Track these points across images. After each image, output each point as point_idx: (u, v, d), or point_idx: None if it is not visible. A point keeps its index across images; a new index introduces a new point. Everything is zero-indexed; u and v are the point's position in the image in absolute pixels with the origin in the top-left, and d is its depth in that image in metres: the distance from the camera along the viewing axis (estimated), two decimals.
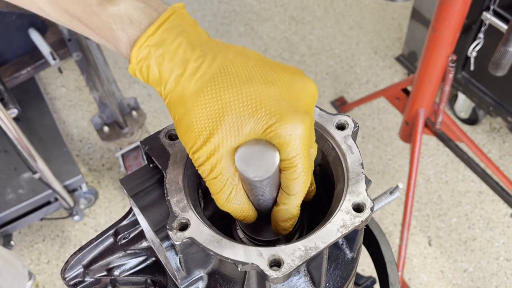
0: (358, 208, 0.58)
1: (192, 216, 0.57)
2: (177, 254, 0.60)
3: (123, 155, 2.29)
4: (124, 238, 0.71)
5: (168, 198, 0.58)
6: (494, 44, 1.61)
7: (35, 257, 2.27)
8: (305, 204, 0.62)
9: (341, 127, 0.64)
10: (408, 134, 2.07)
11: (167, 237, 0.59)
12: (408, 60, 2.73)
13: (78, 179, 2.18)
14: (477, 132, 2.54)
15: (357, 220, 0.57)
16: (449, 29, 1.64)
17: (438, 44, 1.69)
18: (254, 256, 0.54)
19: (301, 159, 0.55)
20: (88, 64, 1.96)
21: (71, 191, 2.20)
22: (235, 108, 0.53)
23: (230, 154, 0.54)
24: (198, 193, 0.64)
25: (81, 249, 0.70)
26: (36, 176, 1.91)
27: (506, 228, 2.26)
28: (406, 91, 2.16)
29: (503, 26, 1.85)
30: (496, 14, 1.90)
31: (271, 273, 0.53)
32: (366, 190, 0.59)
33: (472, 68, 2.00)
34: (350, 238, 0.68)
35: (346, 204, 0.58)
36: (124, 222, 0.71)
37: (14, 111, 1.61)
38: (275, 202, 0.61)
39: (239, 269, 0.54)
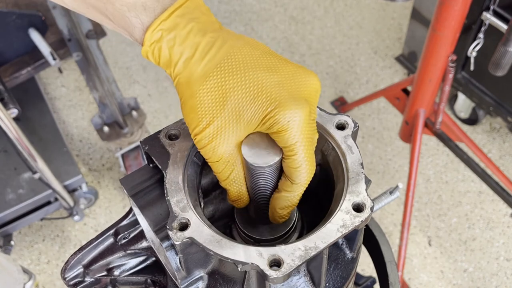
0: (358, 208, 0.58)
1: (192, 216, 0.57)
2: (177, 254, 0.60)
3: (123, 155, 2.29)
4: (124, 238, 0.71)
5: (168, 198, 0.58)
6: (494, 44, 1.61)
7: (35, 257, 2.27)
8: (303, 196, 0.62)
9: (341, 127, 0.64)
10: (408, 134, 2.07)
11: (167, 237, 0.59)
12: (408, 60, 2.73)
13: (78, 179, 2.18)
14: (477, 132, 2.54)
15: (357, 220, 0.57)
16: (449, 29, 1.64)
17: (438, 44, 1.69)
18: (254, 256, 0.54)
19: (301, 146, 0.56)
20: (88, 64, 1.96)
21: (71, 191, 2.20)
22: (238, 94, 0.55)
23: (232, 138, 0.56)
24: (198, 193, 0.64)
25: (81, 249, 0.70)
26: (36, 176, 1.91)
27: (506, 228, 2.26)
28: (406, 91, 2.16)
29: (503, 26, 1.85)
30: (496, 14, 1.90)
31: (271, 273, 0.53)
32: (366, 190, 0.59)
33: (472, 68, 2.00)
34: (350, 238, 0.68)
35: (346, 204, 0.58)
36: (124, 222, 0.71)
37: (14, 111, 1.61)
38: (273, 190, 0.62)
39: (239, 269, 0.54)
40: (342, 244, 0.69)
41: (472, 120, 2.52)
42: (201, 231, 0.56)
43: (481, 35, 1.82)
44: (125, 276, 0.73)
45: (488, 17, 1.89)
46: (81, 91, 2.80)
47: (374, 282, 1.05)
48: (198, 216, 0.57)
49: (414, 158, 1.98)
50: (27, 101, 2.34)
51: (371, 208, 0.57)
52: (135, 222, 0.71)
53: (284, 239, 0.67)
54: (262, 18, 3.09)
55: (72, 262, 0.70)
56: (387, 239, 0.88)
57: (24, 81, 1.93)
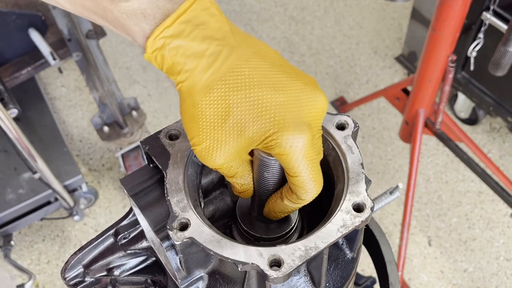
0: (358, 208, 0.58)
1: (192, 216, 0.57)
2: (177, 254, 0.60)
3: (123, 155, 2.29)
4: (124, 238, 0.71)
5: (168, 198, 0.58)
6: (494, 44, 1.61)
7: (35, 257, 2.27)
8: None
9: (341, 127, 0.64)
10: (408, 134, 2.07)
11: (167, 237, 0.59)
12: (408, 60, 2.73)
13: (78, 179, 2.18)
14: (477, 132, 2.54)
15: (357, 220, 0.57)
16: (449, 29, 1.64)
17: (438, 44, 1.69)
18: (254, 256, 0.54)
19: (304, 168, 0.55)
20: (88, 64, 1.96)
21: (71, 191, 2.20)
22: (241, 110, 0.53)
23: (232, 151, 0.55)
24: (198, 193, 0.64)
25: (81, 249, 0.70)
26: (36, 176, 1.91)
27: (506, 228, 2.26)
28: (406, 91, 2.16)
29: (503, 26, 1.85)
30: (496, 14, 1.90)
31: (271, 273, 0.53)
32: (366, 190, 0.59)
33: (472, 68, 2.00)
34: (350, 238, 0.68)
35: (346, 204, 0.58)
36: (124, 222, 0.71)
37: (14, 111, 1.61)
38: (277, 187, 0.62)
39: (239, 269, 0.54)
40: (342, 244, 0.69)
41: (472, 120, 2.52)
42: (201, 231, 0.56)
43: (481, 35, 1.82)
44: (125, 276, 0.73)
45: (488, 17, 1.89)
46: (81, 91, 2.80)
47: (374, 282, 1.05)
48: (198, 216, 0.57)
49: (414, 158, 1.98)
50: (27, 101, 2.34)
51: (371, 208, 0.57)
52: (135, 222, 0.71)
53: (284, 239, 0.68)
54: (262, 18, 3.09)
55: (72, 262, 0.70)
56: (387, 239, 0.88)
57: (24, 81, 1.93)
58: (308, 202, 0.59)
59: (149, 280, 0.74)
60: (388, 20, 3.03)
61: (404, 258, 2.00)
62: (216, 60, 0.53)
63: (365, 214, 0.57)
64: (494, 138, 2.52)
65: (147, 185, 0.64)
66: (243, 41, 0.55)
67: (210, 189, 0.69)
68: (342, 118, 0.65)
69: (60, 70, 2.83)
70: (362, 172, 0.61)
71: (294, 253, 0.54)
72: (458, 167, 2.44)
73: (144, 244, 0.71)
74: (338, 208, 0.58)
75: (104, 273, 0.72)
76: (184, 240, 0.55)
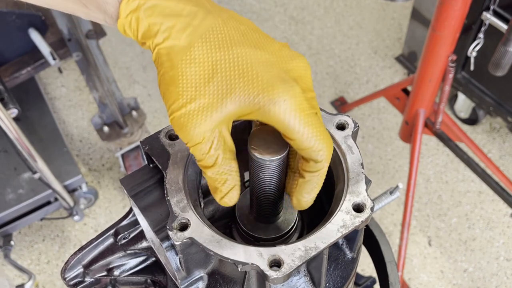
0: (358, 208, 0.58)
1: (192, 216, 0.57)
2: (177, 254, 0.60)
3: (123, 155, 2.29)
4: (124, 238, 0.71)
5: (168, 198, 0.58)
6: (494, 44, 1.61)
7: (35, 257, 2.27)
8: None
9: (341, 127, 0.64)
10: (408, 134, 2.07)
11: (167, 237, 0.59)
12: (408, 60, 2.73)
13: (78, 179, 2.18)
14: (477, 132, 2.54)
15: (357, 220, 0.57)
16: (449, 29, 1.64)
17: (438, 44, 1.69)
18: (254, 256, 0.54)
19: (303, 123, 0.52)
20: (88, 64, 1.96)
21: (71, 191, 2.20)
22: (225, 69, 0.50)
23: (216, 116, 0.51)
24: (198, 193, 0.64)
25: (81, 249, 0.70)
26: (36, 176, 1.91)
27: (506, 228, 2.26)
28: (406, 91, 2.16)
29: (503, 26, 1.85)
30: (496, 14, 1.90)
31: (271, 273, 0.53)
32: (366, 190, 0.59)
33: (472, 68, 2.00)
34: (350, 238, 0.68)
35: (346, 204, 0.58)
36: (124, 222, 0.71)
37: (14, 111, 1.61)
38: (274, 188, 0.61)
39: (239, 269, 0.54)
40: (342, 244, 0.69)
41: (472, 120, 2.52)
42: (201, 231, 0.56)
43: (481, 35, 1.82)
44: (125, 276, 0.72)
45: (488, 17, 1.89)
46: (81, 91, 2.80)
47: (374, 282, 1.05)
48: (198, 216, 0.57)
49: (414, 158, 1.98)
50: (27, 101, 2.34)
51: (371, 208, 0.57)
52: (135, 222, 0.71)
53: (284, 239, 0.67)
54: (262, 18, 3.09)
55: (72, 262, 0.70)
56: (387, 239, 0.88)
57: (24, 81, 1.93)
58: (326, 164, 0.55)
59: (149, 280, 0.74)
60: (388, 20, 3.03)
61: (404, 258, 2.00)
62: (194, 19, 0.51)
63: (365, 214, 0.57)
64: (494, 138, 2.52)
65: (147, 185, 0.64)
66: (217, 6, 0.54)
67: None
68: (342, 118, 0.65)
69: (60, 70, 2.82)
70: (362, 172, 0.61)
71: (294, 253, 0.54)
72: (458, 167, 2.44)
73: (144, 244, 0.71)
74: (338, 208, 0.58)
75: (104, 273, 0.72)
76: (184, 240, 0.55)
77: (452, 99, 2.54)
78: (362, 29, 2.99)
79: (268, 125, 0.54)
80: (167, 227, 0.56)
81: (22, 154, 1.79)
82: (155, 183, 0.65)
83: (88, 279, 0.72)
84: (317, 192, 0.58)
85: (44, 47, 1.80)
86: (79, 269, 0.71)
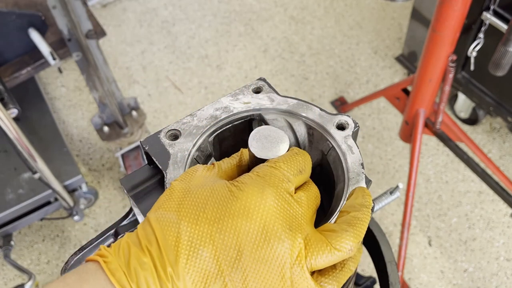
0: None
1: None
2: None
3: (123, 155, 2.29)
4: None
5: None
6: (494, 44, 1.61)
7: (35, 257, 2.27)
8: None
9: (341, 127, 0.65)
10: (408, 134, 2.07)
11: None
12: (408, 60, 2.73)
13: (78, 179, 2.17)
14: (477, 132, 2.54)
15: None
16: (449, 29, 1.64)
17: (438, 44, 1.69)
18: None
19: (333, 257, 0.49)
20: (88, 64, 1.96)
21: (71, 191, 2.20)
22: None
23: None
24: None
25: (81, 249, 0.70)
26: (36, 176, 1.91)
27: (506, 228, 2.26)
28: (406, 91, 2.16)
29: (503, 26, 1.85)
30: (496, 14, 1.90)
31: None
32: None
33: (472, 68, 2.00)
34: None
35: None
36: (124, 222, 0.71)
37: (14, 111, 1.61)
38: None
39: None
40: None
41: (472, 120, 2.52)
42: None
43: (481, 35, 1.82)
44: None
45: (488, 17, 1.89)
46: (81, 91, 2.80)
47: (374, 282, 1.06)
48: None
49: (414, 158, 1.98)
50: (27, 101, 2.34)
51: (372, 208, 0.57)
52: (135, 222, 0.71)
53: None
54: (262, 18, 3.09)
55: (72, 262, 0.70)
56: (387, 239, 0.88)
57: (24, 81, 1.93)
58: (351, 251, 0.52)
59: None
60: (388, 20, 3.03)
61: (404, 258, 2.00)
62: None
63: None
64: (494, 138, 2.52)
65: (147, 185, 0.64)
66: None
67: None
68: (342, 118, 0.65)
69: (60, 70, 2.83)
70: (362, 172, 0.61)
71: None
72: (458, 167, 2.44)
73: None
74: (338, 208, 0.58)
75: None
76: None
77: (452, 99, 2.54)
78: (362, 29, 2.99)
79: (268, 125, 0.54)
80: None
81: (22, 154, 1.79)
82: (155, 183, 0.65)
83: None
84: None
85: (44, 47, 1.80)
86: None
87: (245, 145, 0.58)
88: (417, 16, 2.49)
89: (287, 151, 0.57)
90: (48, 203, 2.14)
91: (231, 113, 0.67)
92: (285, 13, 3.11)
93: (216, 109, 0.67)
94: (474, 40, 1.89)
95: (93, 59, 1.93)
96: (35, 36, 1.83)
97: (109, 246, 0.53)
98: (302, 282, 0.48)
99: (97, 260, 0.50)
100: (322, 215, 0.61)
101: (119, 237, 0.71)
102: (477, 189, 2.37)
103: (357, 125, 0.64)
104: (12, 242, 2.15)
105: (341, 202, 0.59)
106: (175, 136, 0.64)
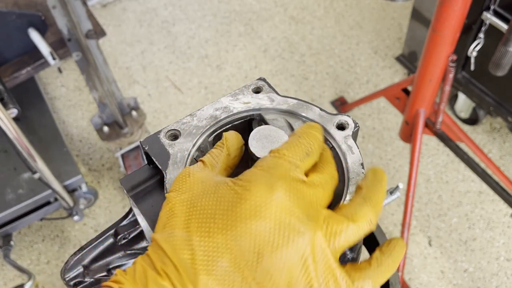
0: None
1: None
2: None
3: (123, 155, 2.29)
4: (124, 238, 0.71)
5: None
6: (495, 44, 1.61)
7: (35, 257, 2.27)
8: None
9: (341, 127, 0.64)
10: (408, 134, 2.07)
11: None
12: (408, 60, 2.73)
13: (78, 179, 2.17)
14: (477, 132, 2.54)
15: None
16: (449, 29, 1.64)
17: (438, 44, 1.69)
18: None
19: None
20: (88, 64, 1.96)
21: (71, 191, 2.20)
22: None
23: None
24: None
25: (81, 249, 0.70)
26: (36, 176, 1.91)
27: (506, 228, 2.26)
28: (406, 91, 2.16)
29: (503, 26, 1.85)
30: (496, 14, 1.90)
31: None
32: None
33: (472, 68, 2.00)
34: None
35: None
36: (124, 222, 0.70)
37: (14, 111, 1.61)
38: None
39: None
40: None
41: (472, 120, 2.52)
42: None
43: (481, 35, 1.82)
44: None
45: (489, 17, 1.89)
46: (81, 91, 2.80)
47: None
48: None
49: (414, 158, 1.98)
50: (27, 101, 2.34)
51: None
52: (135, 222, 0.71)
53: None
54: (262, 18, 3.09)
55: (72, 262, 0.70)
56: (387, 239, 0.88)
57: (24, 81, 1.93)
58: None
59: None
60: (388, 20, 3.03)
61: (404, 258, 2.00)
62: None
63: None
64: (494, 138, 2.52)
65: (147, 185, 0.64)
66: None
67: None
68: (342, 118, 0.65)
69: (60, 70, 2.83)
70: (363, 172, 0.60)
71: None
72: (458, 167, 2.44)
73: (144, 244, 0.71)
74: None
75: (104, 273, 0.72)
76: None
77: (452, 99, 2.54)
78: (362, 29, 2.99)
79: (268, 125, 0.54)
80: None
81: (22, 154, 1.78)
82: (155, 183, 0.65)
83: (88, 279, 0.71)
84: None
85: (44, 47, 1.80)
86: (79, 269, 0.71)
87: (245, 145, 0.58)
88: (417, 16, 2.49)
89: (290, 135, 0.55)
90: (48, 203, 2.14)
91: (231, 113, 0.67)
92: (285, 13, 3.11)
93: (216, 109, 0.67)
94: (474, 40, 1.89)
95: (93, 59, 1.93)
96: (35, 36, 1.83)
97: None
98: (327, 270, 0.47)
99: (113, 287, 0.48)
100: None
101: (119, 237, 0.71)
102: (477, 189, 2.37)
103: (357, 125, 0.64)
104: (12, 242, 2.15)
105: (341, 202, 0.59)
106: (175, 136, 0.64)
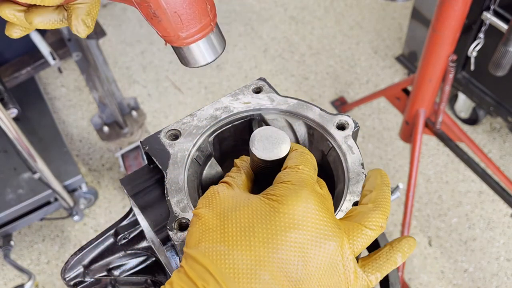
0: None
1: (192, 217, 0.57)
2: (177, 254, 0.60)
3: (123, 155, 2.29)
4: (124, 238, 0.71)
5: (168, 198, 0.58)
6: (494, 44, 1.61)
7: (35, 257, 2.27)
8: None
9: (341, 127, 0.64)
10: (408, 134, 2.07)
11: (167, 237, 0.59)
12: (408, 60, 2.73)
13: (78, 179, 2.17)
14: (477, 132, 2.54)
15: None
16: (449, 29, 1.64)
17: (438, 44, 1.69)
18: None
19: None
20: (88, 64, 1.96)
21: (71, 191, 2.20)
22: None
23: None
24: (198, 193, 0.64)
25: (81, 249, 0.70)
26: (36, 176, 1.91)
27: (506, 228, 2.26)
28: (406, 91, 2.16)
29: (503, 26, 1.85)
30: (496, 14, 1.89)
31: None
32: None
33: (472, 68, 2.00)
34: None
35: (346, 204, 0.58)
36: (124, 222, 0.71)
37: (14, 111, 1.61)
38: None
39: None
40: None
41: (472, 120, 2.52)
42: None
43: (481, 35, 1.82)
44: (125, 276, 0.72)
45: (489, 17, 1.89)
46: (81, 91, 2.80)
47: None
48: None
49: (414, 158, 1.98)
50: (27, 101, 2.34)
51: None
52: (135, 222, 0.71)
53: None
54: (262, 18, 3.09)
55: (72, 262, 0.70)
56: (387, 239, 0.88)
57: (24, 81, 1.93)
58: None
59: (149, 280, 0.74)
60: (388, 20, 3.03)
61: None
62: None
63: None
64: (494, 138, 2.52)
65: (147, 185, 0.64)
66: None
67: None
68: (343, 118, 0.65)
69: (60, 70, 2.82)
70: (363, 172, 0.61)
71: None
72: (458, 167, 2.44)
73: (144, 244, 0.71)
74: (339, 208, 0.58)
75: (104, 273, 0.72)
76: (184, 240, 0.55)
77: (453, 99, 2.54)
78: (362, 29, 2.99)
79: (268, 125, 0.54)
80: (167, 227, 0.56)
81: (22, 154, 1.79)
82: (155, 183, 0.65)
83: (88, 279, 0.71)
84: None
85: (44, 47, 1.80)
86: (79, 269, 0.71)
87: (245, 145, 0.58)
88: (417, 16, 2.48)
89: (289, 151, 0.57)
90: (48, 203, 2.14)
91: (231, 113, 0.67)
92: (285, 13, 3.11)
93: (216, 109, 0.67)
94: (474, 40, 1.89)
95: (93, 59, 1.94)
96: (35, 36, 1.83)
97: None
98: (351, 273, 0.49)
99: None
100: None
101: (119, 237, 0.70)
102: (477, 189, 2.37)
103: (357, 125, 0.64)
104: (12, 242, 2.15)
105: (342, 202, 0.59)
106: (175, 136, 0.64)
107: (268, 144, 0.56)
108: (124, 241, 0.71)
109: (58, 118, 2.67)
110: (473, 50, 1.85)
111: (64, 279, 0.70)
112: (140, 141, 0.64)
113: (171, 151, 0.62)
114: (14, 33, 0.62)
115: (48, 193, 2.07)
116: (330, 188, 0.64)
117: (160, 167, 0.61)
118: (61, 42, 1.91)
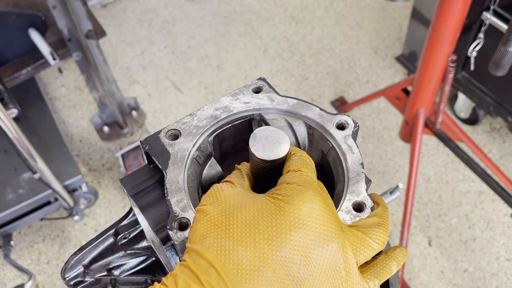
0: (358, 208, 0.58)
1: (192, 216, 0.57)
2: (177, 254, 0.60)
3: (123, 155, 2.29)
4: (124, 238, 0.71)
5: (168, 198, 0.58)
6: (494, 44, 1.61)
7: (35, 257, 2.27)
8: None
9: (341, 127, 0.64)
10: (408, 134, 2.07)
11: (167, 237, 0.59)
12: (408, 60, 2.73)
13: (78, 179, 2.18)
14: (477, 132, 2.54)
15: (357, 219, 0.57)
16: (449, 29, 1.64)
17: (438, 44, 1.69)
18: None
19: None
20: (88, 64, 1.96)
21: (71, 191, 2.20)
22: None
23: None
24: (198, 193, 0.64)
25: (81, 249, 0.70)
26: (36, 176, 1.91)
27: (506, 228, 2.26)
28: (406, 91, 2.16)
29: (503, 26, 1.85)
30: (496, 14, 1.90)
31: None
32: (366, 190, 0.59)
33: (472, 68, 2.00)
34: None
35: (346, 204, 0.58)
36: (124, 222, 0.71)
37: (14, 111, 1.61)
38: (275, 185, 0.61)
39: None
40: None
41: (472, 120, 2.52)
42: None
43: (481, 35, 1.82)
44: (125, 276, 0.72)
45: (488, 17, 1.89)
46: (81, 91, 2.80)
47: None
48: None
49: (414, 158, 1.98)
50: (27, 101, 2.34)
51: (371, 208, 0.57)
52: (135, 222, 0.71)
53: None
54: (262, 18, 3.09)
55: (72, 262, 0.70)
56: (387, 239, 0.88)
57: (24, 81, 1.93)
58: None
59: (149, 280, 0.74)
60: (388, 20, 3.03)
61: None
62: None
63: (365, 214, 0.57)
64: (494, 138, 2.52)
65: (147, 185, 0.64)
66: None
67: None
68: (342, 118, 0.65)
69: (60, 70, 2.83)
70: (362, 172, 0.61)
71: None
72: (458, 167, 2.44)
73: (144, 244, 0.71)
74: (338, 208, 0.58)
75: (104, 273, 0.72)
76: (184, 240, 0.55)
77: (452, 99, 2.54)
78: (362, 29, 2.99)
79: (268, 125, 0.54)
80: (167, 226, 0.56)
81: (22, 154, 1.79)
82: (155, 183, 0.65)
83: (88, 279, 0.71)
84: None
85: (44, 47, 1.80)
86: (79, 269, 0.71)
87: (245, 145, 0.58)
88: (417, 16, 2.49)
89: (287, 152, 0.57)
90: (48, 203, 2.14)
91: (231, 113, 0.67)
92: (285, 13, 3.11)
93: (216, 109, 0.67)
94: (474, 40, 1.89)
95: (93, 59, 1.93)
96: (35, 36, 1.83)
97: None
98: (353, 277, 0.50)
99: None
100: None
101: (119, 237, 0.70)
102: (477, 189, 2.37)
103: (357, 125, 0.64)
104: (12, 242, 2.15)
105: (341, 202, 0.59)
106: (175, 136, 0.64)
107: (267, 144, 0.56)
108: (124, 241, 0.71)
109: (58, 118, 2.67)
110: (473, 50, 1.85)
111: (64, 279, 0.70)
112: (140, 141, 0.64)
113: (171, 151, 0.62)
114: None
115: (48, 193, 2.08)
116: (330, 188, 0.64)
117: (160, 167, 0.61)
118: (61, 42, 1.91)
